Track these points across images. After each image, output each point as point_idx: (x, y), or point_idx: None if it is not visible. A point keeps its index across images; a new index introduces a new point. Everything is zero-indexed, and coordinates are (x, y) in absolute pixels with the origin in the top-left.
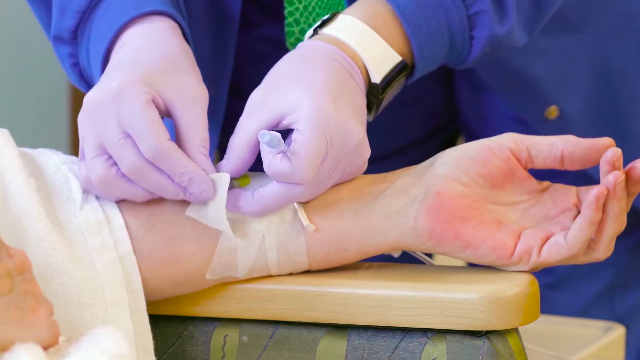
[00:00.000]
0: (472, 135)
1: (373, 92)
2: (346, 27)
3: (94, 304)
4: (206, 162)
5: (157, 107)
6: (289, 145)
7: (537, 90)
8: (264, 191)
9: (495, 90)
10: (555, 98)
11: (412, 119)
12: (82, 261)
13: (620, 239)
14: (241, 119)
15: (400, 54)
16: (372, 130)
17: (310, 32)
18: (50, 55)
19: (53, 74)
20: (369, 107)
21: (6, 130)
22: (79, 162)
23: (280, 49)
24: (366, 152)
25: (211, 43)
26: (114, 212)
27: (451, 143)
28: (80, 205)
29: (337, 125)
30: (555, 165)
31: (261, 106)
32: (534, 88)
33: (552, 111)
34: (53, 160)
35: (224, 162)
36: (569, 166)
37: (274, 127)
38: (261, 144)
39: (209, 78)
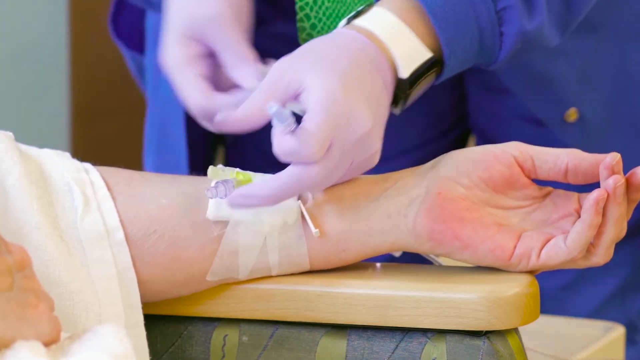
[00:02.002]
0: (483, 135)
1: (400, 87)
2: (378, 19)
3: (88, 317)
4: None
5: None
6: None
7: (557, 91)
8: (278, 176)
9: (515, 91)
10: (575, 100)
11: (422, 119)
12: (80, 273)
13: (632, 240)
14: (258, 88)
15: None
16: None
17: (344, 21)
18: (50, 55)
19: (53, 74)
20: (396, 101)
21: (10, 133)
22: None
23: (291, 47)
24: (375, 143)
25: None
26: (115, 223)
27: (462, 142)
28: (81, 216)
29: (345, 111)
30: (559, 178)
31: (278, 79)
32: (553, 89)
33: (572, 113)
34: (58, 167)
35: (243, 108)
36: (573, 180)
37: (285, 102)
38: (272, 119)
39: None
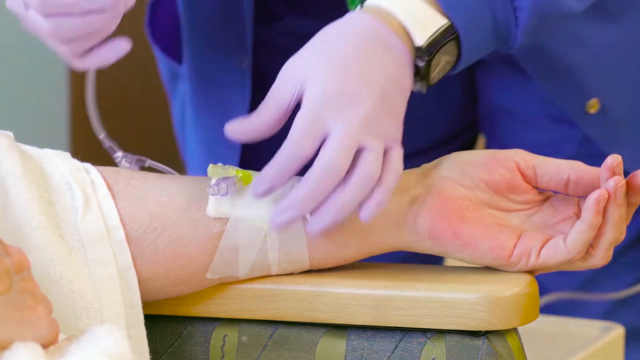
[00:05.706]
0: (494, 136)
1: (420, 57)
2: None
3: (89, 316)
4: None
5: None
6: None
7: (578, 82)
8: (303, 179)
9: (537, 82)
10: (597, 91)
11: (433, 121)
12: (81, 272)
13: None
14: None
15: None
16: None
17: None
18: (50, 55)
19: (53, 74)
20: (420, 75)
21: (10, 133)
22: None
23: (303, 43)
24: (389, 122)
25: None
26: (116, 223)
27: (470, 148)
28: (81, 216)
29: (345, 93)
30: (559, 189)
31: (281, 82)
32: (575, 80)
33: (593, 105)
34: (58, 167)
35: (254, 116)
36: (573, 191)
37: (293, 103)
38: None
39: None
